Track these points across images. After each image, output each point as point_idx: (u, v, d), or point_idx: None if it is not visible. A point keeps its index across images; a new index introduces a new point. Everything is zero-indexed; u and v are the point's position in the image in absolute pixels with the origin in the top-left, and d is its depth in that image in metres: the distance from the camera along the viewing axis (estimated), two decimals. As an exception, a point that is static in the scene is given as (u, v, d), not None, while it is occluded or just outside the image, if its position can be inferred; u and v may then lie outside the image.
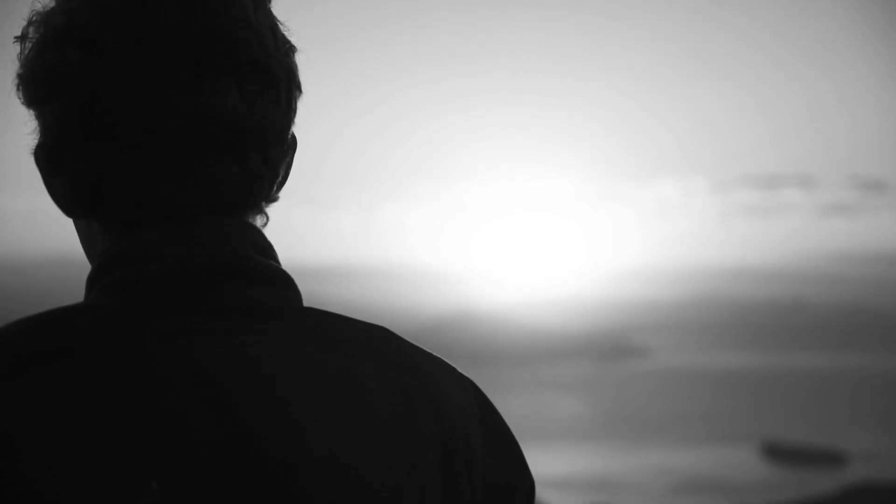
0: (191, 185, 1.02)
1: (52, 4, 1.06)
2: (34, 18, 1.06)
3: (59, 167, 1.04)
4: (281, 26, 1.08)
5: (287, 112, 1.06)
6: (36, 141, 1.06)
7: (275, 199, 1.09)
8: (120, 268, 1.02)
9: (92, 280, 1.03)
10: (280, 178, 1.08)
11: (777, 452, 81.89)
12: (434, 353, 1.11)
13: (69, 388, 0.95)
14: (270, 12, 1.07)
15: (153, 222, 1.03)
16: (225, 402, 0.97)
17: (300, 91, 1.07)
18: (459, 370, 1.13)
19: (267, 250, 1.06)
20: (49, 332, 0.98)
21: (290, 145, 1.08)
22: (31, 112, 1.06)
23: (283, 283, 1.05)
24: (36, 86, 1.04)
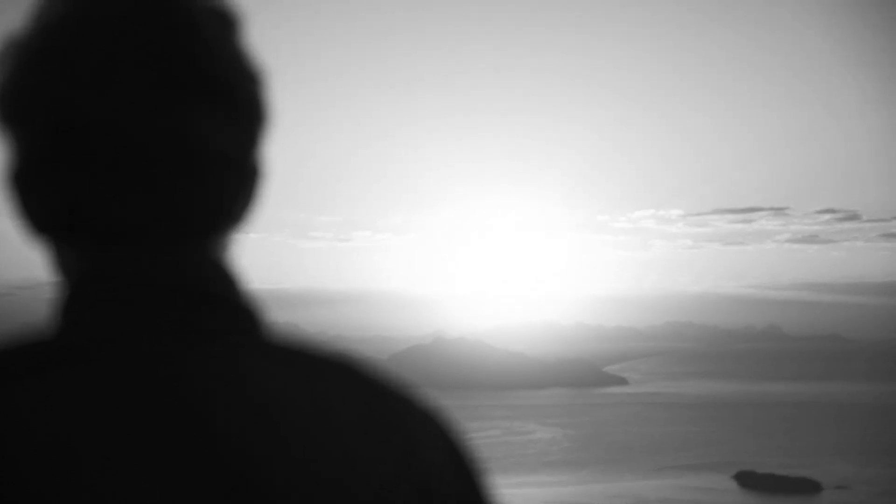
0: (164, 208, 1.03)
1: (28, 26, 1.07)
2: (10, 39, 1.07)
3: (33, 188, 1.05)
4: (253, 54, 1.09)
5: (253, 139, 1.08)
6: (9, 161, 1.07)
7: (242, 225, 1.10)
8: (96, 290, 1.03)
9: (66, 299, 1.05)
10: (246, 205, 1.09)
11: (752, 481, 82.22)
12: (401, 379, 1.13)
13: (69, 393, 0.98)
14: (242, 39, 1.09)
15: (127, 245, 1.04)
16: (215, 421, 1.00)
17: (268, 118, 1.10)
18: (429, 395, 1.14)
19: (235, 276, 1.08)
20: (45, 339, 1.02)
21: (256, 173, 1.09)
22: (6, 132, 1.07)
23: (256, 309, 1.07)
24: (11, 106, 1.05)
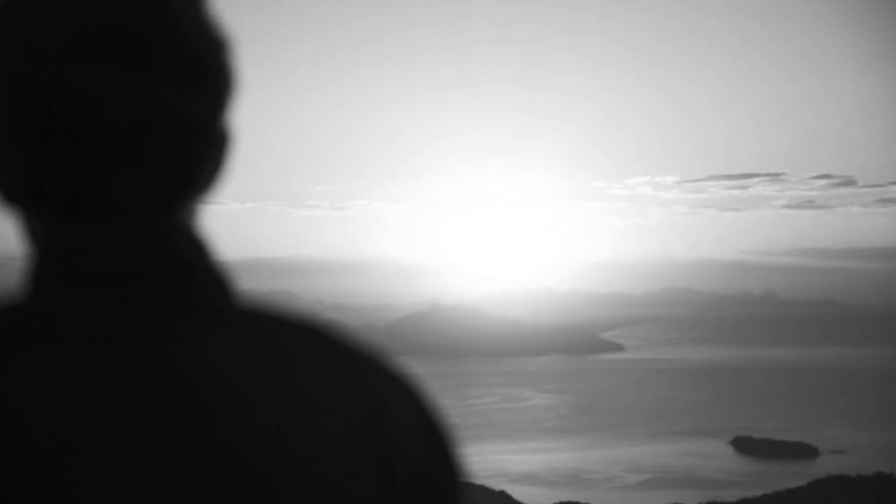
0: (132, 180, 1.03)
1: None
2: None
3: (1, 159, 1.05)
4: (218, 22, 1.09)
5: (220, 107, 1.07)
6: None
7: (210, 194, 1.10)
8: (65, 263, 1.03)
9: (35, 272, 1.04)
10: (215, 173, 1.09)
11: (748, 446, 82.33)
12: (373, 345, 1.12)
13: (59, 375, 0.99)
14: (206, 8, 1.08)
15: (96, 217, 1.03)
16: (185, 396, 1.00)
17: (235, 85, 1.09)
18: (403, 362, 1.14)
19: (205, 245, 1.07)
20: (13, 312, 1.02)
21: (224, 140, 1.08)
22: None
23: (227, 278, 1.07)
24: None
